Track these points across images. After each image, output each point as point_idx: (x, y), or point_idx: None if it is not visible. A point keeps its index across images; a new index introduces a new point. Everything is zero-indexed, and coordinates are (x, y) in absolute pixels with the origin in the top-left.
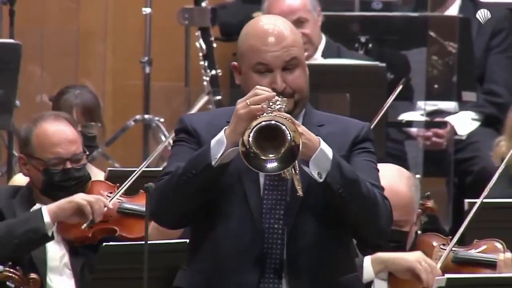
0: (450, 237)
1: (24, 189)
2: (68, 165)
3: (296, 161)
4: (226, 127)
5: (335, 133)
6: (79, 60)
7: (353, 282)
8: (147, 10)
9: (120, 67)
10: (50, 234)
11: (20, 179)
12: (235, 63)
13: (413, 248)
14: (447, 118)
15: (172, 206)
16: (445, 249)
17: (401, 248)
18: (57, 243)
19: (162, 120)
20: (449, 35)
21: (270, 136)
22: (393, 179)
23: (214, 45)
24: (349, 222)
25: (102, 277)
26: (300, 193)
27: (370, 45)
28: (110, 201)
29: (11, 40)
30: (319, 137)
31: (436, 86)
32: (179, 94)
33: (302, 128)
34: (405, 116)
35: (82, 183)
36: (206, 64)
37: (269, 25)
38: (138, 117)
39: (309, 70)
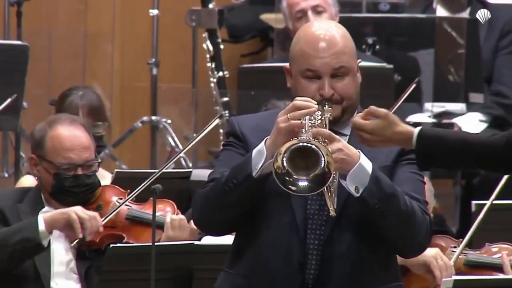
0: (461, 239)
1: (33, 191)
2: (80, 171)
3: (332, 179)
4: (268, 137)
5: None
6: (87, 61)
7: None
8: (155, 11)
9: (127, 68)
10: (45, 244)
11: (27, 181)
12: (287, 66)
13: None
14: (455, 120)
15: (216, 213)
16: (456, 252)
17: None
18: (64, 248)
19: (169, 121)
20: (457, 36)
21: (304, 155)
22: None
23: (221, 46)
24: (385, 236)
25: (109, 279)
26: (332, 213)
27: (377, 47)
28: (118, 208)
29: (19, 42)
30: (359, 151)
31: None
32: (186, 95)
33: (342, 144)
34: (412, 118)
35: (92, 190)
36: (213, 65)
37: (321, 30)
38: (145, 118)
39: None
